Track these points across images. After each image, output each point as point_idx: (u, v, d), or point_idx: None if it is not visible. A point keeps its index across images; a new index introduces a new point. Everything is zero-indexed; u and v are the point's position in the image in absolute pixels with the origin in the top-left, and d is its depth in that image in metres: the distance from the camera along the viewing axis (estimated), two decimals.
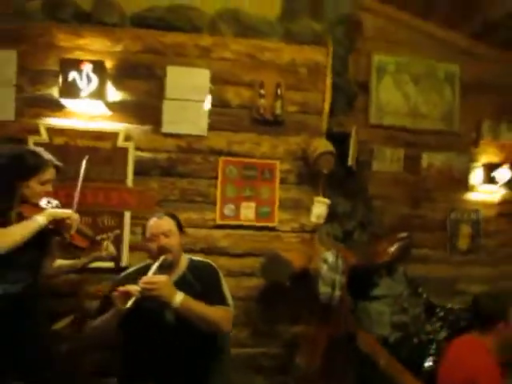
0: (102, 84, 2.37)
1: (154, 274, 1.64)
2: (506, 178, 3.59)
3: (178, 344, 1.70)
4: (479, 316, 1.81)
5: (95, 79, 2.35)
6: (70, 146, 2.42)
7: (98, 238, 1.88)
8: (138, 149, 2.50)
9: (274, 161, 2.62)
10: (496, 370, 1.69)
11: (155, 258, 1.74)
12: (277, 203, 2.60)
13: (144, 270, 1.73)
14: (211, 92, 2.56)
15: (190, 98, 2.54)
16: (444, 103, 3.69)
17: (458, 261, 3.65)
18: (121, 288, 1.56)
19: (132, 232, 2.48)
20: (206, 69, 2.57)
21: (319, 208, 2.38)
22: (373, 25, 3.44)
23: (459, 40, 3.62)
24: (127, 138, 2.48)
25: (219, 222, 2.55)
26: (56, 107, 2.43)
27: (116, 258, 2.07)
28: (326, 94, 2.67)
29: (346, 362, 2.25)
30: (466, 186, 3.68)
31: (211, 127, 2.57)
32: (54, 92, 2.42)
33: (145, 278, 1.58)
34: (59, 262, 1.99)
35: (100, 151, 2.45)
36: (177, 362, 1.70)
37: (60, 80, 2.33)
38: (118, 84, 2.49)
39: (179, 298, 1.60)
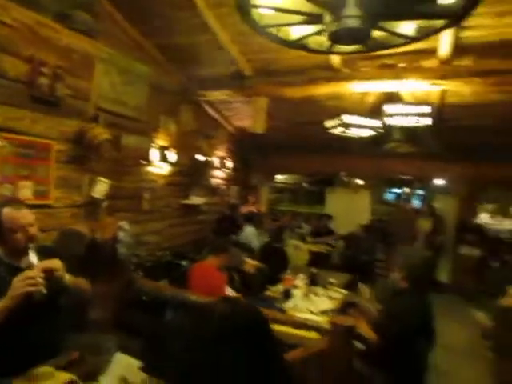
0: None
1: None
2: (173, 158, 5.11)
3: (49, 320, 1.87)
4: (215, 247, 3.11)
5: None
6: None
7: None
8: None
9: (50, 141, 2.71)
10: (222, 278, 3.04)
11: (22, 248, 1.76)
12: (52, 182, 2.73)
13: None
14: None
15: None
16: (138, 96, 4.63)
17: (143, 219, 4.83)
18: (28, 274, 1.57)
19: None
20: None
21: (102, 186, 2.81)
22: None
23: (151, 49, 4.65)
24: None
25: None
26: None
27: None
28: (95, 84, 3.01)
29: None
30: (149, 163, 4.87)
31: None
32: None
33: (48, 263, 1.67)
34: None
35: None
36: (48, 336, 1.87)
37: None
38: None
39: (67, 275, 1.81)
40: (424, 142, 5.71)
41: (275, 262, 4.60)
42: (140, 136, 4.72)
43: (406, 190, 9.82)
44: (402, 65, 4.00)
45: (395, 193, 9.92)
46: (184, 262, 4.73)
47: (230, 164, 6.70)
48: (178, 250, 5.12)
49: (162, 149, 5.03)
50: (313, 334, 2.40)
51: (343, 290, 3.61)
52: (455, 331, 4.72)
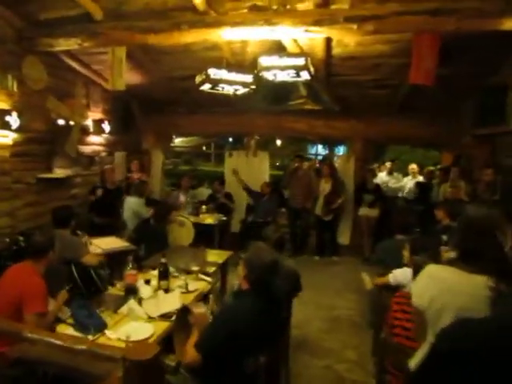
0: None
1: None
2: (16, 123, 4.11)
3: None
4: (33, 249, 2.41)
5: None
6: None
7: None
8: None
9: None
10: (41, 286, 2.36)
11: None
12: None
13: None
14: None
15: None
16: None
17: None
18: None
19: None
20: None
21: None
22: None
23: None
24: None
25: None
26: None
27: None
28: None
29: None
30: None
31: None
32: None
33: None
34: None
35: None
36: None
37: None
38: None
39: None
40: (320, 99, 5.27)
41: (150, 244, 3.98)
42: None
43: (316, 149, 9.62)
44: (274, 7, 3.37)
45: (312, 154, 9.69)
46: None
47: (108, 127, 5.76)
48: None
49: (1, 112, 4.00)
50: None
51: (208, 278, 3.13)
52: (344, 300, 4.57)
